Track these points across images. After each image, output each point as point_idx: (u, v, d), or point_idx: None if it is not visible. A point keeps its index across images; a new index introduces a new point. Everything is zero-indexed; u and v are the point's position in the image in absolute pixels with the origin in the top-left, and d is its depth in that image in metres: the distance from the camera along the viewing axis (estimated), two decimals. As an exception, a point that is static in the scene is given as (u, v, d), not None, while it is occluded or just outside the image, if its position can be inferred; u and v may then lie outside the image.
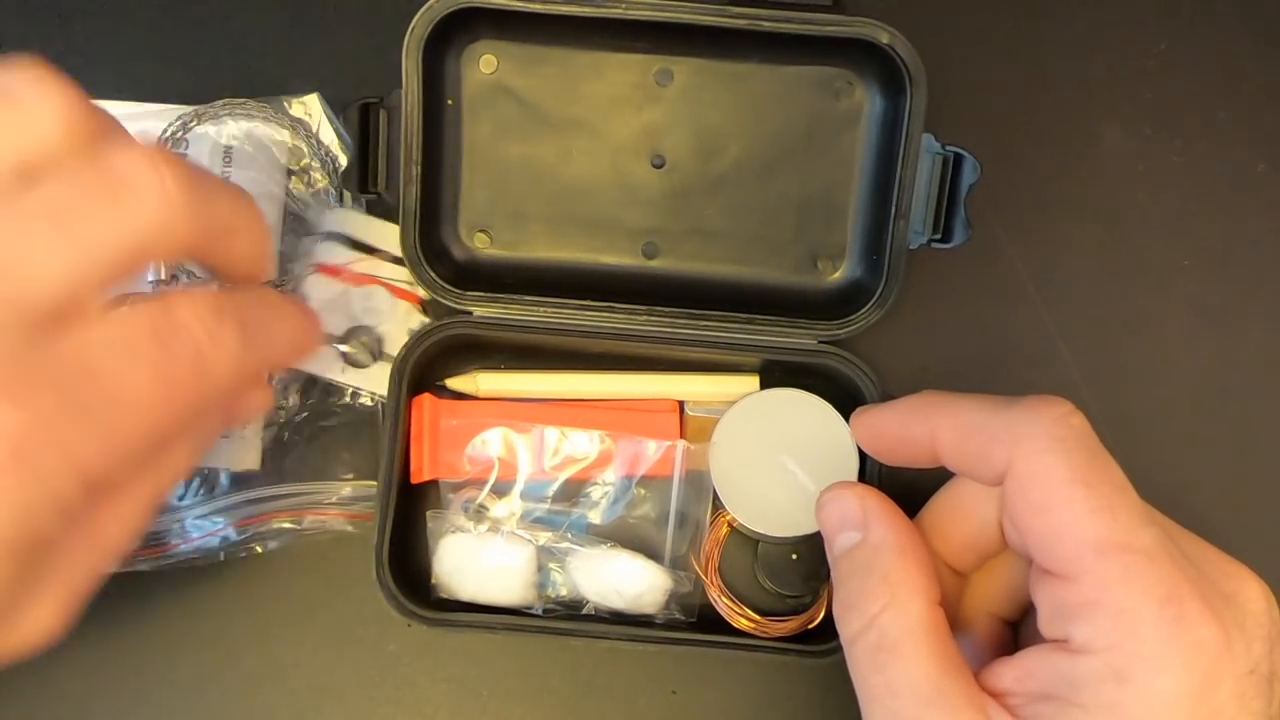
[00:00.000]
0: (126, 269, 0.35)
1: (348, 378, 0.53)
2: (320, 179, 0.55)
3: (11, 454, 0.32)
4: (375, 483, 0.52)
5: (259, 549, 0.53)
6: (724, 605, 0.52)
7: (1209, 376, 0.55)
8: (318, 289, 0.53)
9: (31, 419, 0.32)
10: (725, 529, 0.53)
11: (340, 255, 0.54)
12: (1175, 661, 0.36)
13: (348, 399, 0.54)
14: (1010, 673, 0.40)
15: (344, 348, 0.53)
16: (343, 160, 0.55)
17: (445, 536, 0.52)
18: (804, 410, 0.52)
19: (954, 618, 0.46)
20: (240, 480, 0.53)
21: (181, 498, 0.53)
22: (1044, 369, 0.53)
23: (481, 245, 0.54)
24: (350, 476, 0.54)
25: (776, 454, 0.52)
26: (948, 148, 0.50)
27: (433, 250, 0.53)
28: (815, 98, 0.53)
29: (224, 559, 0.53)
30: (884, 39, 0.49)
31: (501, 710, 0.53)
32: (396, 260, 0.54)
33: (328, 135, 0.55)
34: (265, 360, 0.41)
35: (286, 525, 0.53)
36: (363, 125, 0.51)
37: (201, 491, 0.53)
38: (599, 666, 0.53)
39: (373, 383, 0.53)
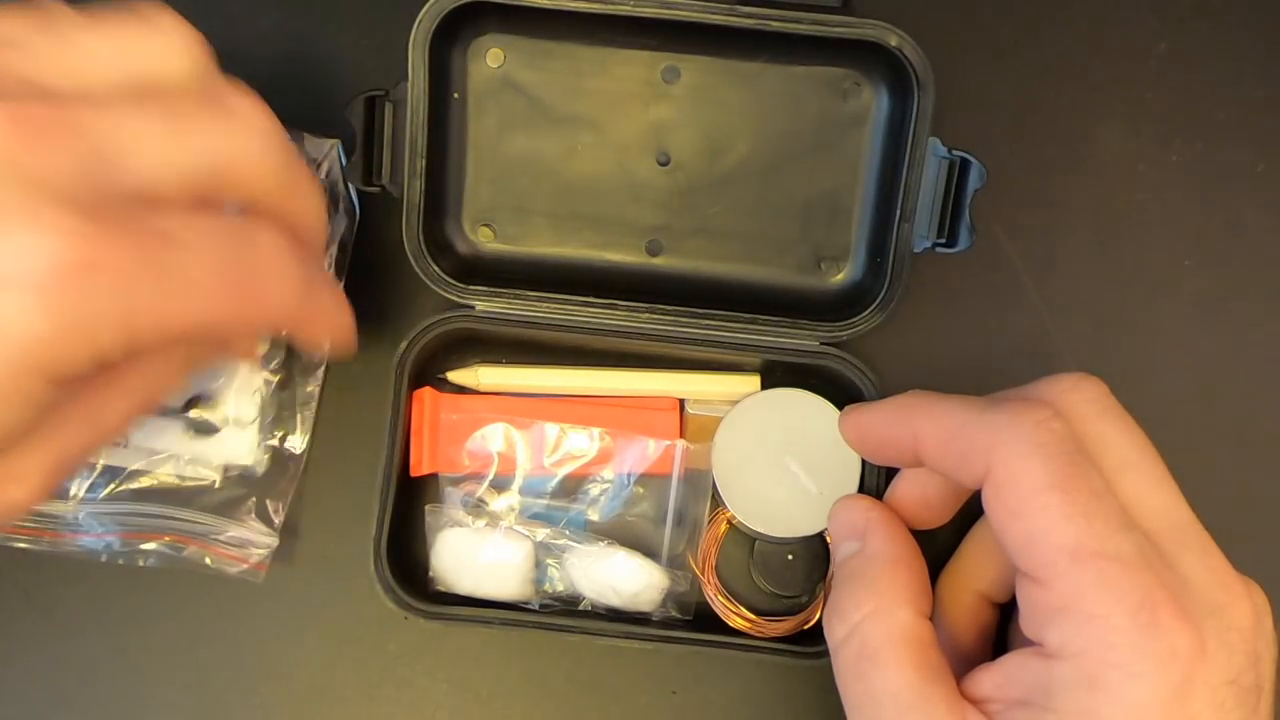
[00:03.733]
0: (214, 186, 0.36)
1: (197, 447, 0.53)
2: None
3: (78, 273, 0.31)
4: (269, 531, 0.52)
5: (140, 562, 0.52)
6: (720, 604, 0.52)
7: (1209, 376, 0.55)
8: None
9: (108, 249, 0.31)
10: (724, 528, 0.53)
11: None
12: (1147, 668, 0.36)
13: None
14: (991, 679, 0.40)
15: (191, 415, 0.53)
16: (344, 206, 0.55)
17: (443, 530, 0.52)
18: (808, 410, 0.52)
19: (986, 645, 0.48)
20: (145, 494, 0.53)
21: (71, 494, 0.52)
22: (1044, 369, 0.52)
23: (485, 240, 0.54)
24: (250, 519, 0.53)
25: (779, 454, 0.52)
26: (954, 152, 0.50)
27: (436, 244, 0.52)
28: (822, 98, 0.53)
29: (104, 561, 0.52)
30: (893, 41, 0.49)
31: (501, 710, 0.53)
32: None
33: (335, 176, 0.54)
34: (307, 326, 0.40)
35: (165, 549, 0.52)
36: (368, 118, 0.50)
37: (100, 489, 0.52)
38: (599, 666, 0.53)
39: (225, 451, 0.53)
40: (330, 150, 0.54)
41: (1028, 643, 0.40)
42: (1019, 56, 0.56)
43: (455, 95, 0.53)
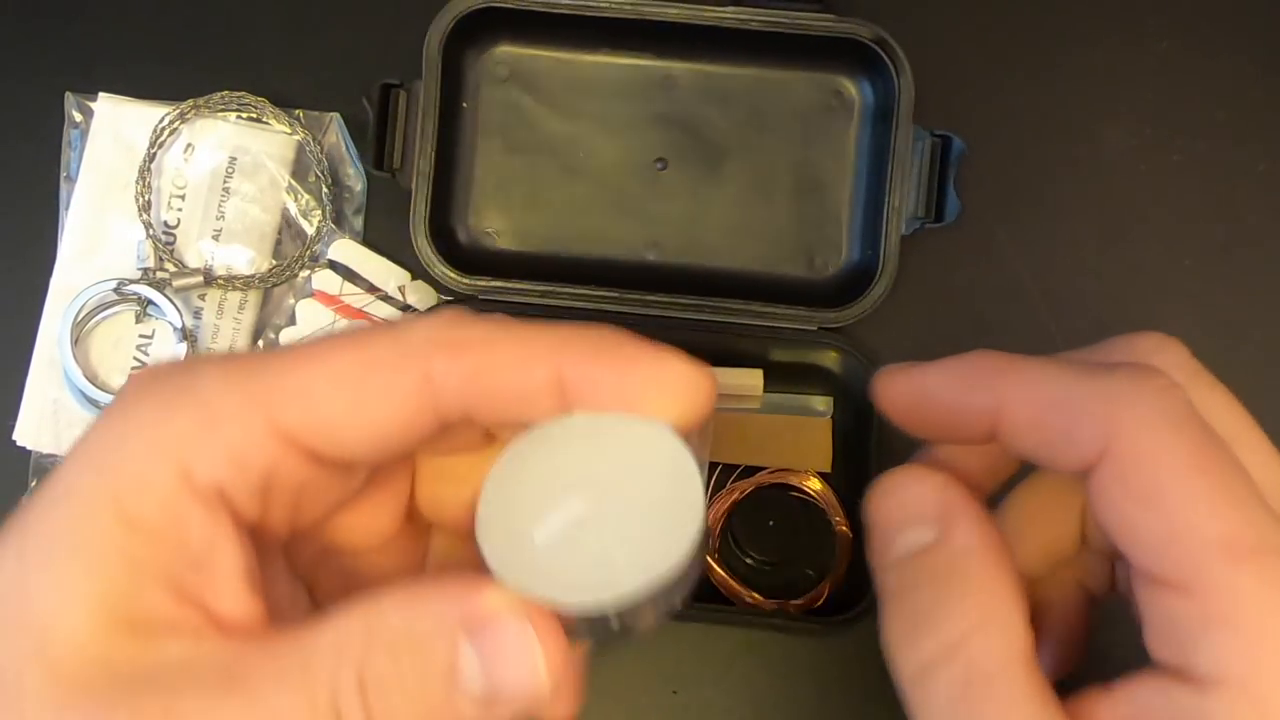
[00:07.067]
0: None
1: None
2: (317, 206, 0.55)
3: None
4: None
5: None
6: (719, 578, 0.53)
7: (1208, 377, 0.55)
8: (308, 313, 0.54)
9: None
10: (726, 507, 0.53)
11: (336, 285, 0.54)
12: None
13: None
14: (1113, 711, 0.31)
15: None
16: (350, 183, 0.56)
17: None
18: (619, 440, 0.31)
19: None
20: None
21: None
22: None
23: (488, 239, 0.55)
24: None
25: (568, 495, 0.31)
26: (935, 134, 0.52)
27: (441, 239, 0.53)
28: (811, 97, 0.55)
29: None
30: (872, 37, 0.51)
31: (502, 710, 0.53)
32: (389, 299, 0.55)
33: (338, 154, 0.56)
34: None
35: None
36: (383, 105, 0.52)
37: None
38: (599, 666, 0.53)
39: None
40: (330, 123, 0.55)
41: (1149, 662, 0.31)
42: (1019, 57, 0.57)
43: (465, 105, 0.55)
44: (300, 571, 0.33)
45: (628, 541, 0.29)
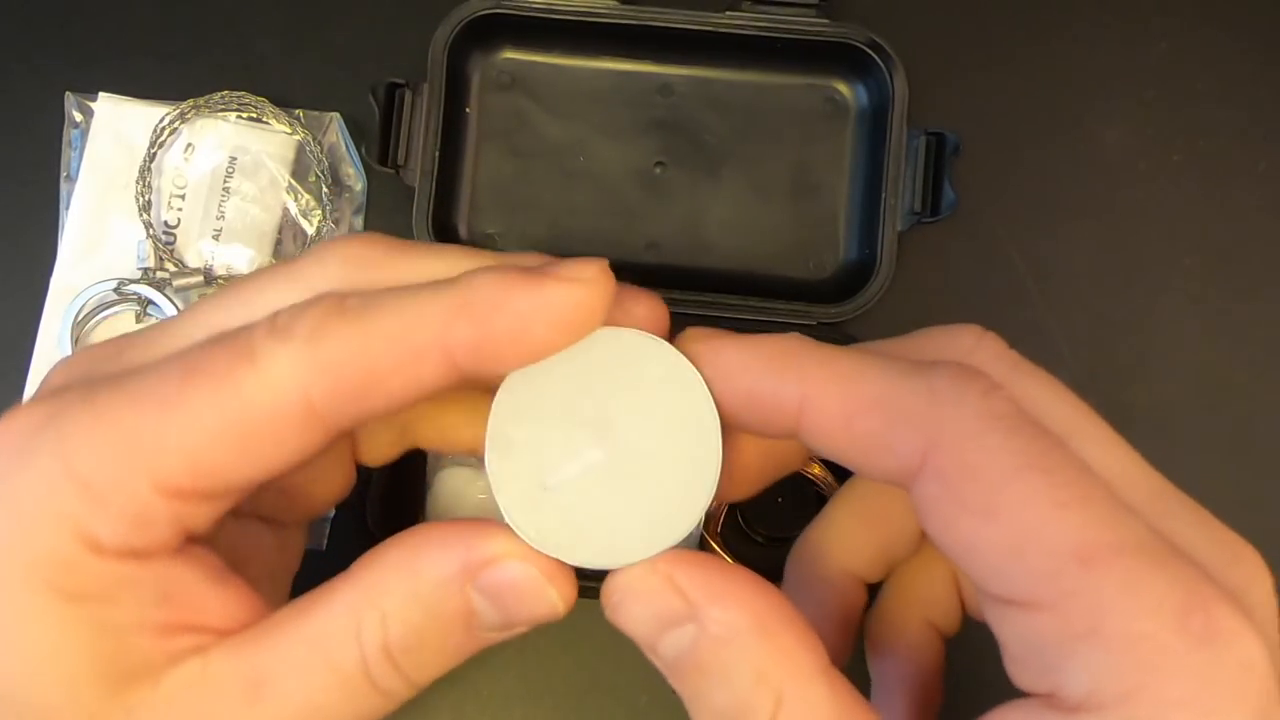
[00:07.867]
0: None
1: None
2: (317, 206, 0.55)
3: None
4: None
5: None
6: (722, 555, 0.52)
7: (1209, 376, 0.55)
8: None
9: None
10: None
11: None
12: (1222, 698, 0.24)
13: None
14: None
15: None
16: (350, 183, 0.56)
17: (442, 470, 0.52)
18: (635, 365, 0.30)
19: (852, 636, 0.37)
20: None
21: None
22: (1045, 368, 0.53)
23: (489, 241, 0.55)
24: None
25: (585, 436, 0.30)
26: (929, 133, 0.53)
27: (444, 237, 0.54)
28: (806, 101, 0.56)
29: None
30: (866, 41, 0.53)
31: (501, 710, 0.53)
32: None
33: (339, 154, 0.56)
34: None
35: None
36: (388, 103, 0.52)
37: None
38: (600, 665, 0.53)
39: None
40: (330, 123, 0.56)
41: (1015, 691, 0.27)
42: (1020, 57, 0.57)
43: (468, 110, 0.55)
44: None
45: (640, 505, 0.29)
